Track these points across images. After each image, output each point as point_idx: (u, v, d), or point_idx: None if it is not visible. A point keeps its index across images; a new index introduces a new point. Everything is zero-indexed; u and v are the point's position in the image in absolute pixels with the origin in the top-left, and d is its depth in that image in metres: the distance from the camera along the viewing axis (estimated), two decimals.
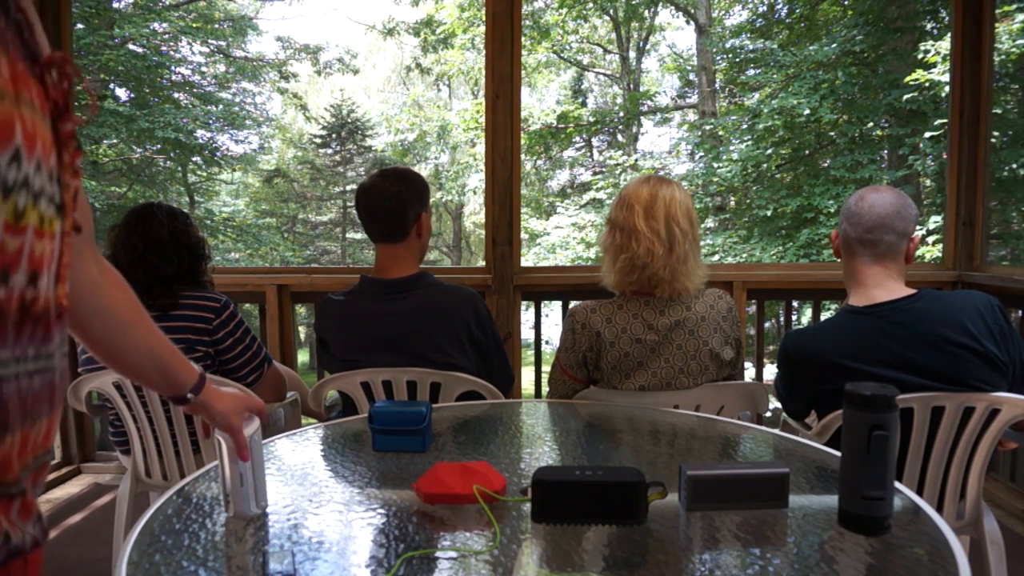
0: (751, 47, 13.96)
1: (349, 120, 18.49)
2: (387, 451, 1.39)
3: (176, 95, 15.13)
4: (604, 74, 18.19)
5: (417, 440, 1.38)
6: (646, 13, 16.19)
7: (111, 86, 14.20)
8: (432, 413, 1.43)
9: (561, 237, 13.56)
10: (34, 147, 0.52)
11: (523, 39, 6.51)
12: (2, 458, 0.53)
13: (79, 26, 12.76)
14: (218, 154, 16.00)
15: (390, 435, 1.39)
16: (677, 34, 18.10)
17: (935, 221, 10.14)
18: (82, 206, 0.72)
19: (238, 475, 1.04)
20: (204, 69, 16.13)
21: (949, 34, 3.49)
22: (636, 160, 14.73)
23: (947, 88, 5.08)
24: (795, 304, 4.94)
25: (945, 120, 6.58)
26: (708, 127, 13.94)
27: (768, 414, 2.35)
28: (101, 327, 0.89)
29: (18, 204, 0.50)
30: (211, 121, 15.59)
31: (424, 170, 17.84)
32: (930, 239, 9.97)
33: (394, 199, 1.91)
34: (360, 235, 17.26)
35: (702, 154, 13.90)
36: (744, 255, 12.09)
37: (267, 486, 1.12)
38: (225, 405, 1.04)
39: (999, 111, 10.16)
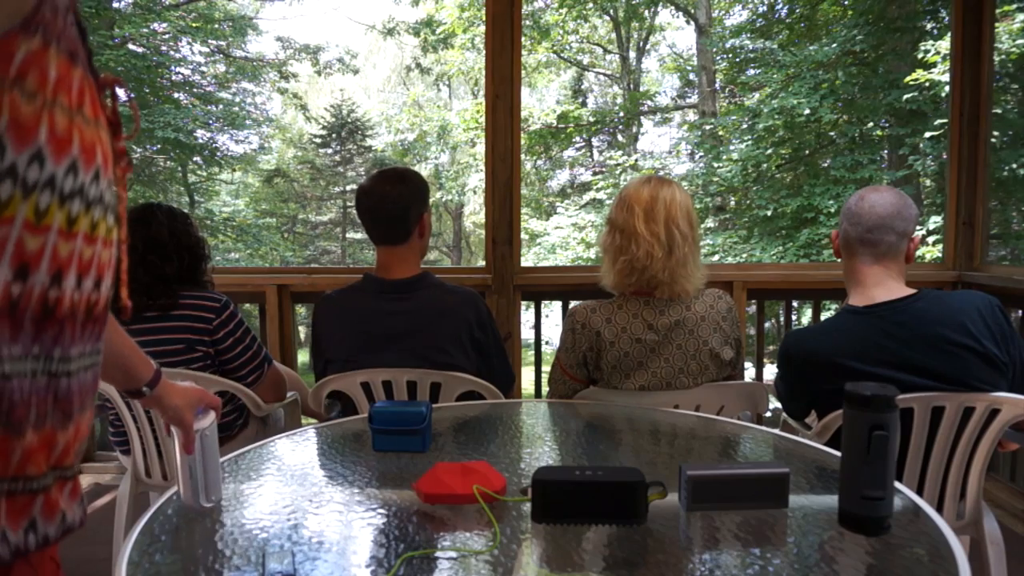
0: (751, 47, 13.97)
1: (349, 120, 18.49)
2: (387, 451, 1.39)
3: (176, 95, 15.13)
4: (604, 74, 18.19)
5: (417, 440, 1.38)
6: (646, 13, 16.19)
7: None
8: (432, 413, 1.43)
9: (561, 237, 13.56)
10: (92, 159, 0.56)
11: (523, 39, 6.51)
12: (64, 446, 0.59)
13: None
14: (218, 154, 16.00)
15: (390, 435, 1.39)
16: (677, 34, 18.11)
17: (935, 221, 10.14)
18: None
19: (187, 468, 1.07)
20: (204, 69, 16.13)
21: (949, 34, 3.49)
22: (636, 160, 14.73)
23: (947, 88, 5.08)
24: (795, 304, 4.94)
25: (945, 120, 6.58)
26: (708, 127, 13.95)
27: (768, 414, 2.35)
28: None
29: (72, 212, 0.55)
30: (211, 121, 15.59)
31: (424, 170, 17.83)
32: (930, 239, 9.97)
33: (396, 202, 1.90)
34: (360, 235, 17.26)
35: (702, 154, 13.91)
36: (744, 255, 12.09)
37: (220, 481, 1.13)
38: (177, 400, 1.06)
39: (999, 111, 10.16)
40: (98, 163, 0.57)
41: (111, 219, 0.61)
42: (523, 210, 7.59)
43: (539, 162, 16.81)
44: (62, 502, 0.60)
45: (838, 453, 1.21)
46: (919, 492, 1.61)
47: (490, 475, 1.15)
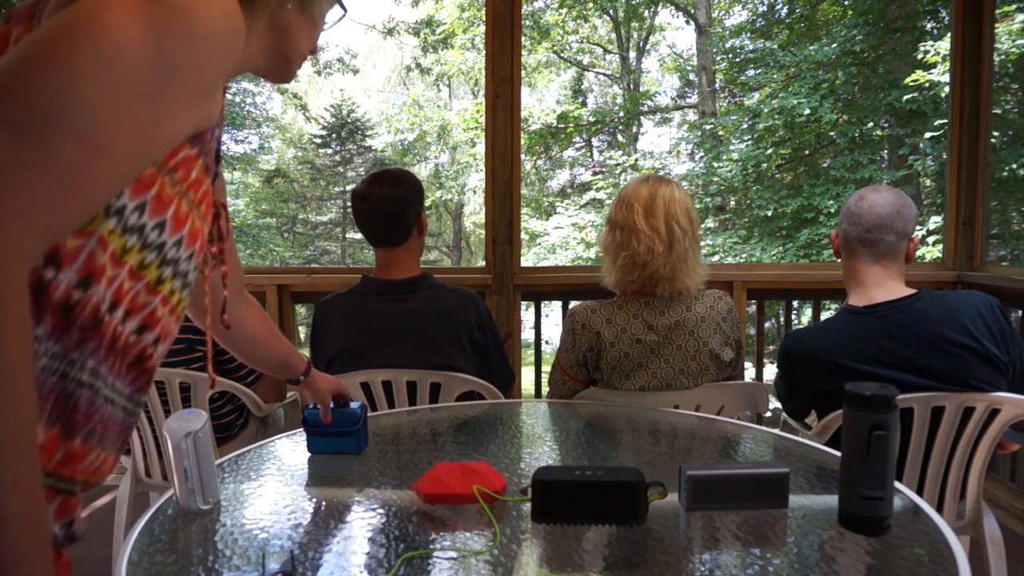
0: (751, 47, 13.96)
1: (349, 120, 18.48)
2: (322, 453, 1.38)
3: None
4: (604, 74, 18.19)
5: (352, 442, 1.37)
6: (646, 13, 16.18)
7: None
8: (368, 415, 1.42)
9: (561, 237, 13.55)
10: (192, 243, 0.72)
11: (523, 39, 6.51)
12: (98, 464, 0.69)
13: None
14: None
15: (324, 437, 1.38)
16: (677, 34, 18.10)
17: (935, 221, 10.14)
18: (235, 268, 1.08)
19: (183, 471, 1.08)
20: None
21: (949, 34, 3.49)
22: (636, 160, 14.72)
23: (947, 88, 5.07)
24: (795, 304, 4.94)
25: (945, 120, 6.58)
26: (708, 127, 13.94)
27: (768, 414, 2.35)
28: (244, 344, 1.24)
29: (163, 274, 0.69)
30: None
31: (424, 170, 17.83)
32: (930, 239, 9.97)
33: (394, 205, 1.90)
34: (360, 235, 17.23)
35: (702, 154, 13.90)
36: (744, 255, 12.09)
37: (217, 482, 1.14)
38: (322, 384, 1.38)
39: (999, 111, 10.16)
40: (195, 248, 0.72)
41: (187, 296, 0.75)
42: (523, 210, 7.59)
43: (539, 162, 16.80)
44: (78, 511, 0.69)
45: (838, 453, 1.21)
46: (919, 492, 1.61)
47: (490, 475, 1.15)
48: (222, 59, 0.62)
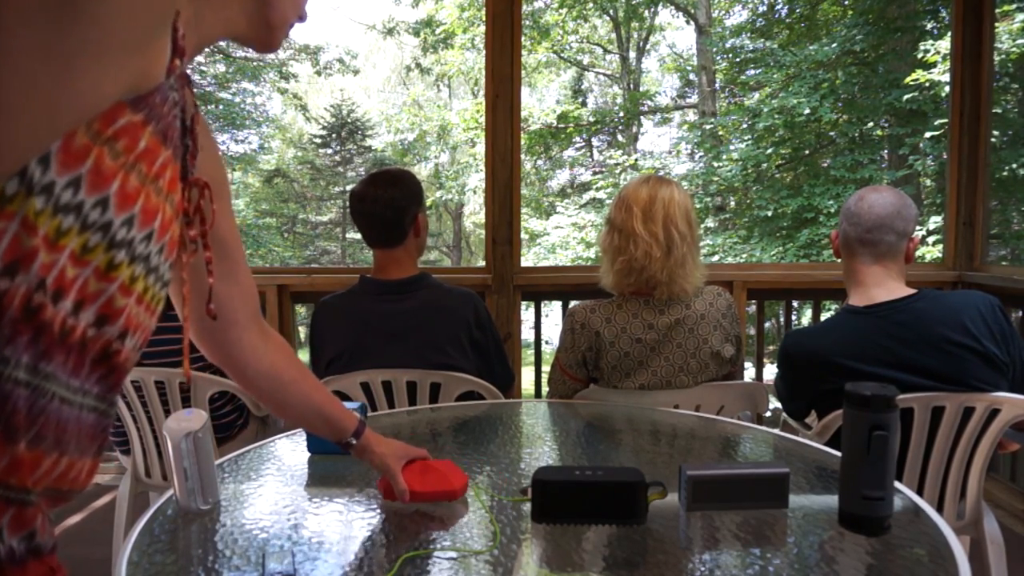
0: (751, 47, 13.96)
1: (349, 120, 18.48)
2: (321, 453, 1.38)
3: None
4: (604, 74, 18.19)
5: None
6: (646, 13, 16.18)
7: None
8: (367, 414, 1.42)
9: (561, 237, 13.56)
10: (150, 222, 0.63)
11: (523, 39, 6.51)
12: (61, 471, 0.62)
13: None
14: None
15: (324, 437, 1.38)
16: (677, 34, 18.09)
17: (935, 221, 10.14)
18: (247, 292, 1.00)
19: (183, 471, 1.08)
20: (204, 69, 16.12)
21: (949, 34, 3.50)
22: (636, 160, 14.72)
23: (947, 88, 5.08)
24: (795, 304, 4.94)
25: (945, 120, 6.58)
26: (708, 127, 13.94)
27: (768, 414, 2.35)
28: (267, 385, 1.07)
29: (115, 259, 0.61)
30: (211, 121, 15.59)
31: (424, 170, 17.82)
32: (930, 239, 9.97)
33: (390, 206, 1.91)
34: (360, 235, 17.24)
35: (702, 154, 13.90)
36: (744, 255, 12.09)
37: (216, 482, 1.15)
38: (383, 448, 1.15)
39: (999, 111, 10.17)
40: (154, 227, 0.64)
41: (156, 285, 0.67)
42: (523, 210, 7.59)
43: (539, 162, 16.80)
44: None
45: (838, 453, 1.22)
46: (919, 492, 1.61)
47: (450, 473, 1.15)
48: (143, 6, 0.55)
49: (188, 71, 0.80)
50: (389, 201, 1.91)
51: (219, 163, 0.96)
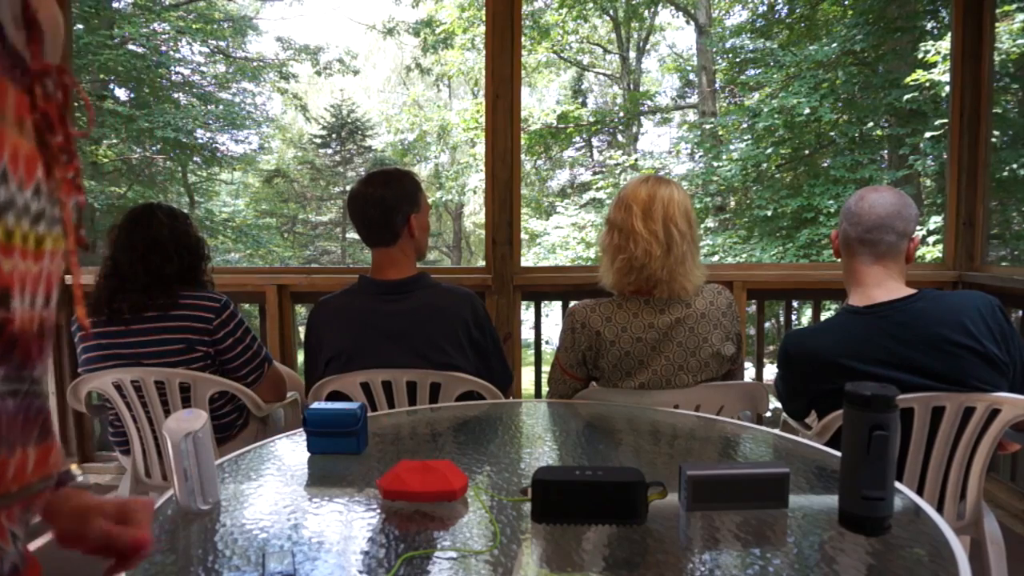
0: (751, 47, 13.96)
1: (349, 120, 18.48)
2: (322, 453, 1.38)
3: (176, 95, 15.12)
4: (604, 74, 18.19)
5: (352, 441, 1.38)
6: (646, 13, 16.18)
7: (111, 86, 14.21)
8: (367, 415, 1.42)
9: (561, 237, 13.56)
10: (17, 166, 0.50)
11: (523, 39, 6.51)
12: (7, 471, 0.52)
13: (79, 26, 12.75)
14: (218, 154, 15.99)
15: (325, 437, 1.38)
16: (677, 34, 18.11)
17: (935, 221, 10.14)
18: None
19: (183, 471, 1.09)
20: (204, 69, 16.12)
21: (949, 34, 3.49)
22: (636, 160, 14.73)
23: (947, 88, 5.08)
24: (795, 304, 4.94)
25: (945, 120, 6.58)
26: (708, 127, 13.94)
27: (768, 414, 2.35)
28: None
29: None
30: (211, 121, 15.58)
31: (424, 170, 17.83)
32: (930, 239, 9.97)
33: (377, 206, 1.91)
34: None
35: (702, 154, 13.90)
36: (744, 255, 12.09)
37: (216, 482, 1.15)
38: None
39: (999, 111, 10.17)
40: (3, 162, 0.50)
41: (38, 224, 0.54)
42: (523, 210, 7.59)
43: (539, 162, 16.80)
44: None
45: (838, 453, 1.21)
46: (919, 492, 1.61)
47: (450, 474, 1.15)
48: None
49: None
50: (379, 200, 1.91)
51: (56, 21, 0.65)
